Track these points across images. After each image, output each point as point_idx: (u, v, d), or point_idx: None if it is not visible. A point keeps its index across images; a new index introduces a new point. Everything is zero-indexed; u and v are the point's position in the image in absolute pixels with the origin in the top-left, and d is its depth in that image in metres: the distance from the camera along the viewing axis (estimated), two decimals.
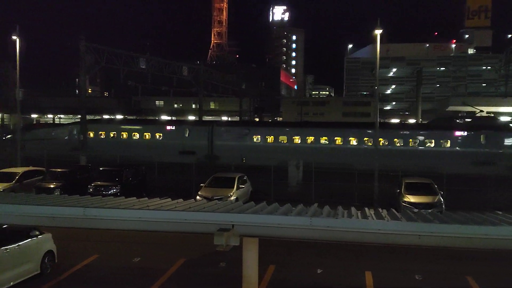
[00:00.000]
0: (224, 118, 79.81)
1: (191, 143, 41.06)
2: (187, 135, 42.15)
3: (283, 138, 40.44)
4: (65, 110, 79.35)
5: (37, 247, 13.62)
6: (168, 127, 44.68)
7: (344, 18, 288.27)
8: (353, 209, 10.25)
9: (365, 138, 38.54)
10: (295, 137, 40.29)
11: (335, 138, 39.40)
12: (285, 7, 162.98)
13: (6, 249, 12.39)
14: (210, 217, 8.84)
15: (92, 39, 38.99)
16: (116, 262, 15.31)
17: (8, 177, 24.39)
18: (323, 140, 39.71)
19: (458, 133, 37.71)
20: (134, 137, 43.58)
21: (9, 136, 49.99)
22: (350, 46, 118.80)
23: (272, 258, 15.05)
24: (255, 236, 9.24)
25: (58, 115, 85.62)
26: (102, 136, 43.76)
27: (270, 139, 40.76)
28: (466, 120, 46.68)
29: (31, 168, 26.82)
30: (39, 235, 13.68)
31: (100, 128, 44.28)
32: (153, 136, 42.94)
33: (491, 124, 40.71)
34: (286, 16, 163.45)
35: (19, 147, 31.39)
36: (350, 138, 38.94)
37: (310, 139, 39.75)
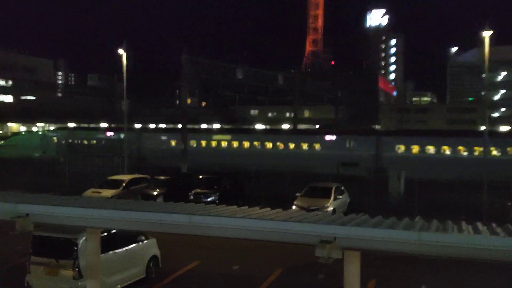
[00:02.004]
0: (319, 126, 79.27)
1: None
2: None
3: (193, 142, 46.13)
4: (166, 120, 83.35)
5: (143, 251, 14.25)
6: (108, 133, 52.52)
7: (447, 20, 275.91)
8: (463, 223, 9.56)
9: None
10: (202, 141, 47.04)
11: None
12: (383, 11, 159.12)
13: (115, 252, 13.08)
14: (311, 228, 8.67)
15: (192, 52, 40.79)
16: (216, 269, 15.63)
17: (116, 184, 25.90)
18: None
19: (328, 137, 42.44)
20: None
21: None
22: (454, 49, 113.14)
23: (373, 271, 14.51)
24: (357, 250, 8.92)
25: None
26: None
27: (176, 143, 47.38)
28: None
29: (136, 175, 28.27)
30: (145, 240, 14.34)
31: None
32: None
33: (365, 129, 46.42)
34: (384, 20, 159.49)
35: (126, 155, 33.30)
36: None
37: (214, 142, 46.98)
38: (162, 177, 26.88)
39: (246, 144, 45.90)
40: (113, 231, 12.58)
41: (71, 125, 65.09)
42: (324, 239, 8.44)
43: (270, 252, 16.75)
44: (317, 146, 42.40)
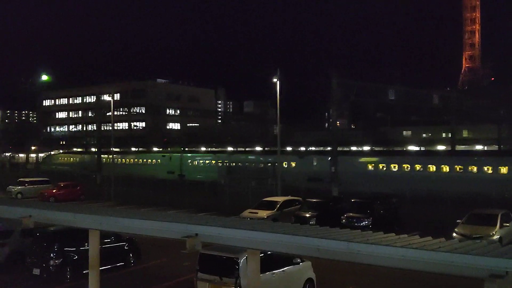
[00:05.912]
0: (479, 147, 73.42)
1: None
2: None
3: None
4: (316, 143, 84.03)
5: (299, 274, 14.51)
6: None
7: None
8: None
9: None
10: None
11: None
12: None
13: (273, 273, 13.52)
14: (480, 261, 8.12)
15: (343, 72, 40.95)
16: None
17: (271, 205, 26.91)
18: None
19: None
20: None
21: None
22: None
23: None
24: None
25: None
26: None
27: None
28: None
29: (289, 197, 29.03)
30: (300, 263, 14.60)
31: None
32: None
33: None
34: None
35: (279, 177, 34.41)
36: None
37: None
38: (314, 200, 27.23)
39: (398, 166, 44.05)
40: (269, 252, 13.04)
41: (229, 149, 68.95)
42: (495, 273, 7.89)
43: (430, 280, 15.85)
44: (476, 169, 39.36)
